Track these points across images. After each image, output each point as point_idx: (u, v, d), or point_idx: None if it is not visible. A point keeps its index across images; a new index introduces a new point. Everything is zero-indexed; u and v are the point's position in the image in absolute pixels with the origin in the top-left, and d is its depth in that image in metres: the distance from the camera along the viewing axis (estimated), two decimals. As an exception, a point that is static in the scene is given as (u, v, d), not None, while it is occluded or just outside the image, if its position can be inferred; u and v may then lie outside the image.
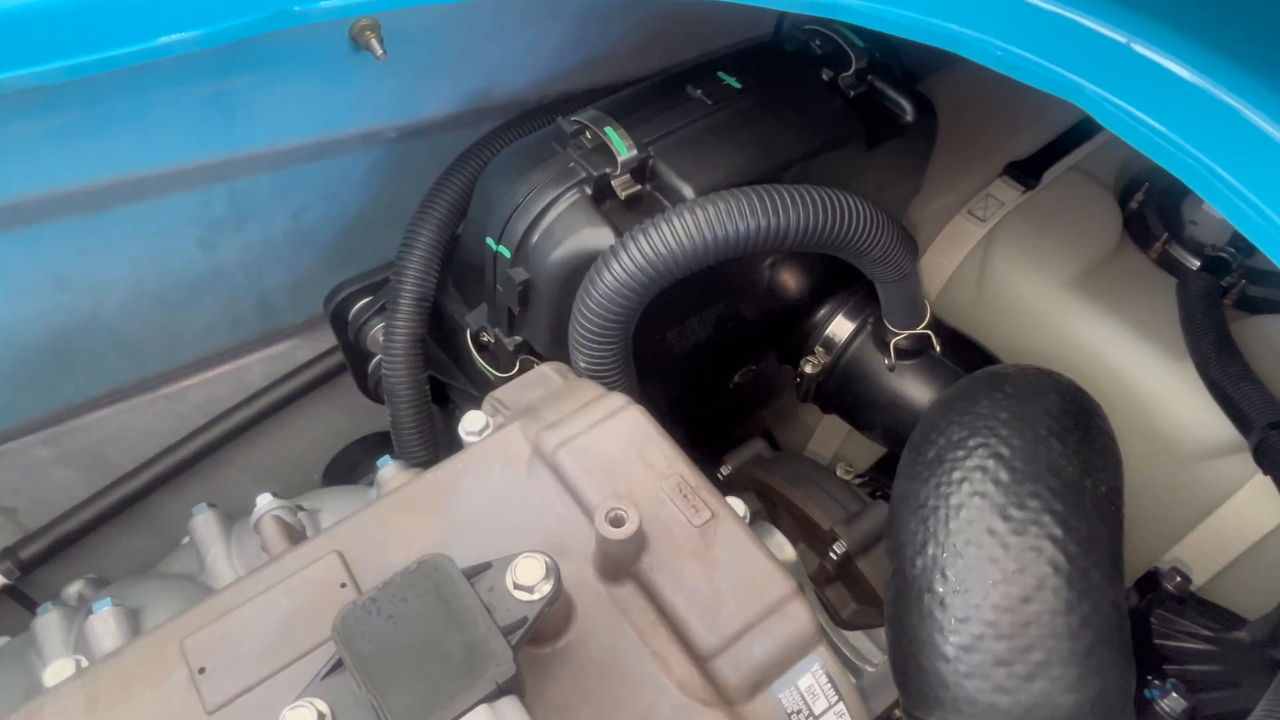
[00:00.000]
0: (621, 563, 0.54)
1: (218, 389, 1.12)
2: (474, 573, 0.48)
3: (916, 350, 0.97)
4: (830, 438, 1.31)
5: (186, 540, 0.91)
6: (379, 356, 1.02)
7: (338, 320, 1.03)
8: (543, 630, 0.52)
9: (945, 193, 1.15)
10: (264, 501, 0.68)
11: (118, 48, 0.56)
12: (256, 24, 0.62)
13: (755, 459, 1.05)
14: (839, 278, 1.02)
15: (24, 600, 1.11)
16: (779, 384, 1.16)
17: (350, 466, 1.20)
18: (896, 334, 0.95)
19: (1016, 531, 0.57)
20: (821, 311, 1.04)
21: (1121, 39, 0.51)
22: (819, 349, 1.03)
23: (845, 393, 1.03)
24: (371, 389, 1.09)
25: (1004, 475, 0.60)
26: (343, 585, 0.56)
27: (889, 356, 0.97)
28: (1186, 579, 0.77)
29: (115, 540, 1.13)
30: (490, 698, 0.43)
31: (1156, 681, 0.64)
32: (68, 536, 1.08)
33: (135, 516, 1.13)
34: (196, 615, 0.55)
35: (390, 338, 0.92)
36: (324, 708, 0.44)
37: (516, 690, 0.45)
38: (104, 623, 0.69)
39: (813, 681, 0.52)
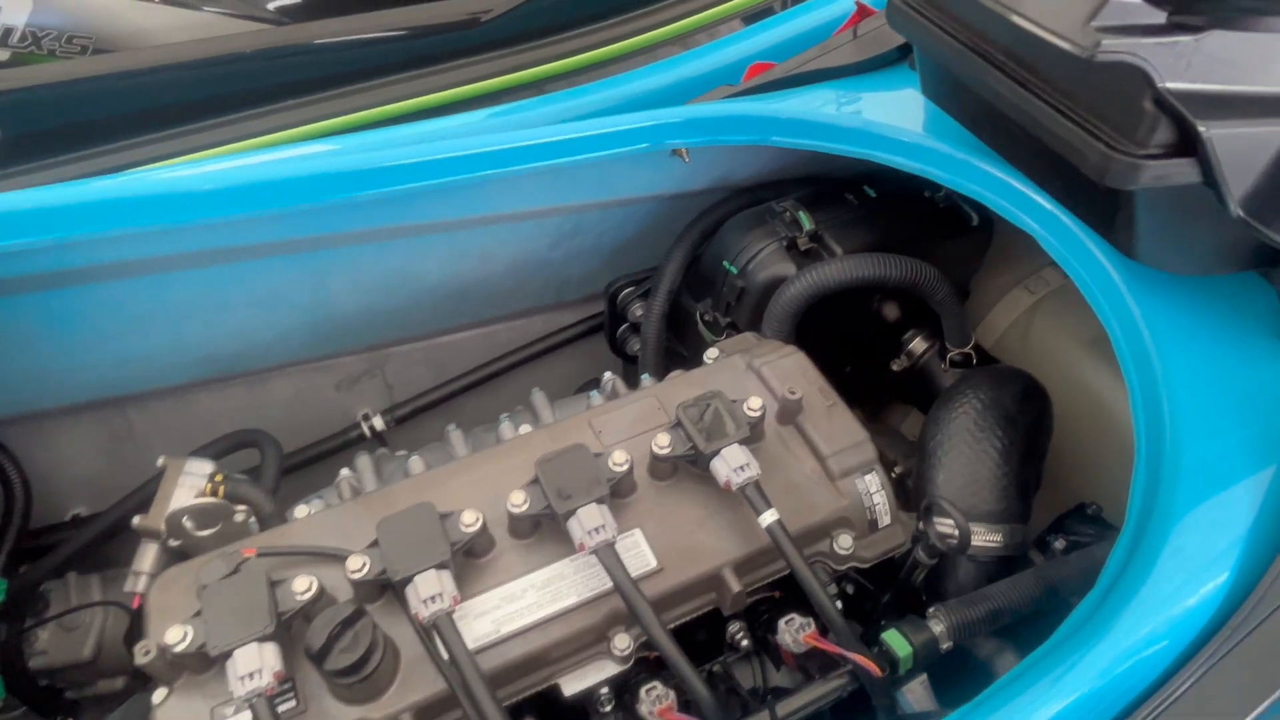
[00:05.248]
0: (790, 415, 1.17)
1: (523, 331, 1.82)
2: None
3: (963, 362, 1.57)
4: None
5: (519, 407, 1.59)
6: (628, 323, 1.70)
7: (611, 298, 1.71)
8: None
9: (1008, 272, 1.75)
10: (608, 375, 1.34)
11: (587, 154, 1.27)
12: (637, 147, 1.31)
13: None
14: (918, 317, 1.63)
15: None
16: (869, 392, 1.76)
17: (592, 393, 1.87)
18: (951, 350, 1.56)
19: (980, 429, 1.19)
20: (908, 333, 1.64)
21: (1049, 206, 1.12)
22: (903, 355, 1.64)
23: (916, 385, 1.64)
24: (618, 344, 1.76)
25: (978, 406, 1.22)
26: (659, 409, 1.21)
27: (945, 364, 1.58)
28: (1099, 507, 1.34)
29: (448, 417, 1.84)
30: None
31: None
32: (422, 408, 1.80)
33: (465, 400, 1.83)
34: (598, 409, 1.22)
35: (649, 309, 1.58)
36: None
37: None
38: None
39: (874, 478, 1.14)
